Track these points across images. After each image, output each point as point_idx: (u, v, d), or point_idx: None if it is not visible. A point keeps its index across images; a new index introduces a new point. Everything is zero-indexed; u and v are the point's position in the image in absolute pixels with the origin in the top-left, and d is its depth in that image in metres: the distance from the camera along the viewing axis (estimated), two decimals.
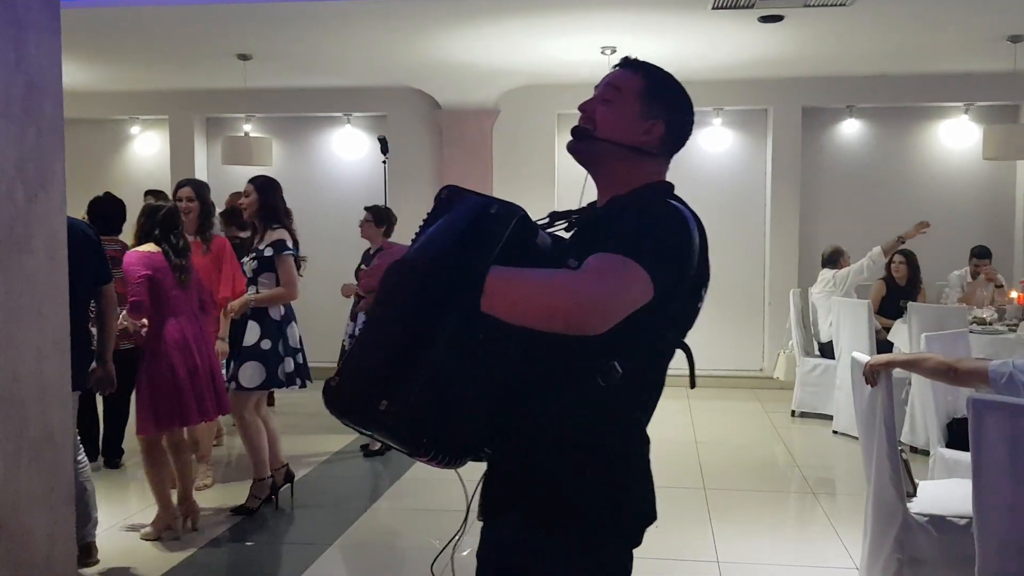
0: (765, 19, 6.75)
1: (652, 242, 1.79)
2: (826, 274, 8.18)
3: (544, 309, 1.70)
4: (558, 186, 9.60)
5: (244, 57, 8.15)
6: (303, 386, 5.47)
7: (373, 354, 1.77)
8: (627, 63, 2.06)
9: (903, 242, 7.86)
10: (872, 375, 3.67)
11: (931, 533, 3.64)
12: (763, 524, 5.38)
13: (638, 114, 1.99)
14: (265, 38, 7.54)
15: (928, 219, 7.92)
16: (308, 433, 7.31)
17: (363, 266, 6.84)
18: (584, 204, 2.12)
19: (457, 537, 2.03)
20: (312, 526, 5.32)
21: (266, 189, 5.47)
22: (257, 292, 5.33)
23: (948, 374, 3.51)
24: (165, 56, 8.34)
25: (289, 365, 5.38)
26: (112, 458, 6.39)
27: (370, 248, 6.90)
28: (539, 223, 1.95)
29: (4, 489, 2.46)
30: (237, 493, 5.63)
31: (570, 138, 2.03)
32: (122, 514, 5.35)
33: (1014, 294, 7.42)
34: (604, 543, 1.94)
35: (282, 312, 5.40)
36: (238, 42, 7.74)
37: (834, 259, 8.18)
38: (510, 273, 1.71)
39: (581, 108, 2.04)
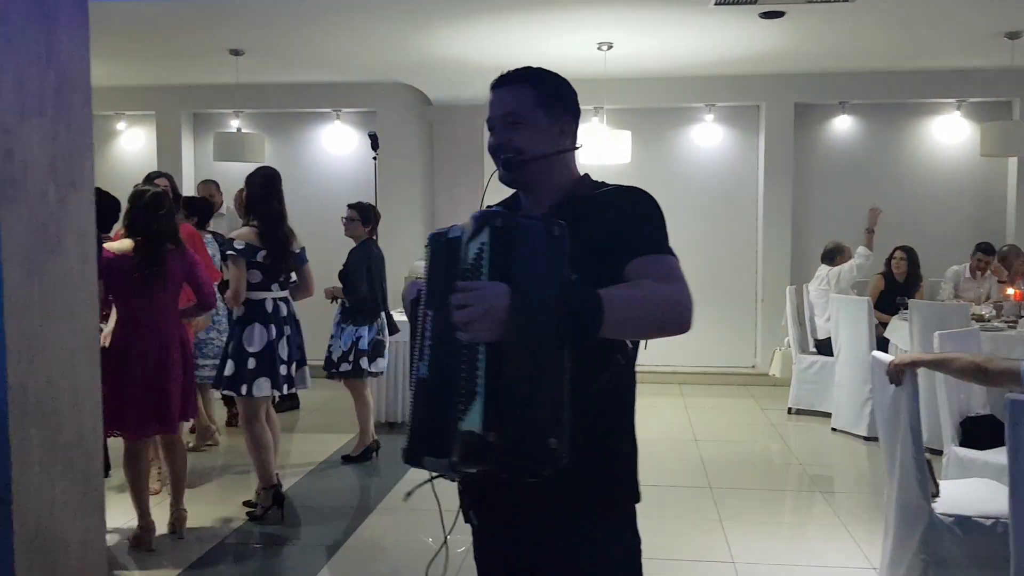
0: (766, 15, 6.72)
1: (663, 231, 1.98)
2: (822, 270, 8.18)
3: (655, 324, 1.87)
4: None
5: (236, 52, 8.04)
6: (230, 395, 5.13)
7: (534, 399, 1.78)
8: (505, 80, 2.10)
9: (872, 232, 8.24)
10: (897, 374, 3.65)
11: (957, 534, 3.63)
12: (774, 524, 5.37)
13: (547, 121, 2.07)
14: (258, 33, 7.44)
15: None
16: (313, 432, 7.22)
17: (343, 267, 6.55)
18: (495, 203, 2.17)
19: (445, 544, 2.07)
20: (314, 531, 5.24)
21: (251, 183, 5.30)
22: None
23: (978, 374, 3.48)
24: (156, 51, 8.22)
25: (228, 368, 5.14)
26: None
27: (355, 248, 6.49)
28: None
29: (40, 496, 2.38)
30: (226, 497, 5.55)
31: (503, 170, 2.07)
32: (126, 516, 5.24)
33: (1010, 291, 7.44)
34: (633, 508, 2.07)
35: (241, 311, 5.17)
36: (231, 37, 7.64)
37: (831, 256, 8.17)
38: (615, 296, 1.80)
39: (497, 145, 2.08)
